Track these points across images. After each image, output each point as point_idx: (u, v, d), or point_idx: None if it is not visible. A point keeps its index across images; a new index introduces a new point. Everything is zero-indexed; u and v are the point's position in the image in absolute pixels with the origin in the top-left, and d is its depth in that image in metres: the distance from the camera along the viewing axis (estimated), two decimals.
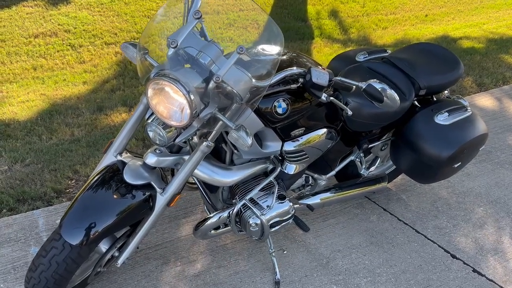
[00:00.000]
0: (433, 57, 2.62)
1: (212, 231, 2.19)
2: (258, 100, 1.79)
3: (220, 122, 1.74)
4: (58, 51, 5.52)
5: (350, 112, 1.97)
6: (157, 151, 1.93)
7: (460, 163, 2.51)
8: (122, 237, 2.03)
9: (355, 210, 2.88)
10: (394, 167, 2.87)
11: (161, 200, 1.92)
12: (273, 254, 2.37)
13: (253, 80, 1.67)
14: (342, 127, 2.31)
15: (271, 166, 2.16)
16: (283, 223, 2.14)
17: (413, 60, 2.58)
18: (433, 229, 2.77)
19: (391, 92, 1.85)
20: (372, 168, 2.66)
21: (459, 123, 2.45)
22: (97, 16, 5.98)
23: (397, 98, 1.88)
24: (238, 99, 1.67)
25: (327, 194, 2.54)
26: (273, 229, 2.13)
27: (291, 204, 2.13)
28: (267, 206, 2.06)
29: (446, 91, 2.73)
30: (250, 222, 2.03)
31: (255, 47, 1.85)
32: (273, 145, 2.05)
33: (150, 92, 1.64)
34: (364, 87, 1.85)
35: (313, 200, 2.48)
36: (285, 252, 2.43)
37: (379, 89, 1.84)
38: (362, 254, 2.55)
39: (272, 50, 1.79)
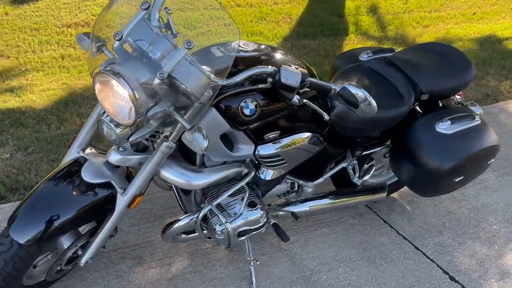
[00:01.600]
0: (442, 59, 2.39)
1: (182, 235, 2.09)
2: (224, 100, 1.69)
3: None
4: None
5: (327, 117, 1.81)
6: (121, 149, 1.85)
7: (462, 177, 2.28)
8: (85, 235, 1.96)
9: (352, 220, 2.70)
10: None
11: (121, 201, 1.84)
12: (251, 262, 2.24)
13: (212, 77, 1.55)
14: (332, 131, 2.15)
15: (246, 170, 2.03)
16: (253, 232, 2.01)
17: (418, 61, 2.36)
18: (435, 246, 2.55)
19: (367, 98, 1.67)
20: (366, 177, 2.47)
21: (463, 133, 2.22)
22: None
23: (374, 105, 1.69)
24: (194, 98, 1.56)
25: (317, 202, 2.39)
26: (241, 238, 2.00)
27: (262, 212, 1.98)
28: (234, 214, 1.93)
29: (458, 96, 2.49)
30: (216, 229, 1.92)
31: (211, 43, 1.72)
32: (245, 148, 1.92)
33: (97, 86, 1.55)
34: (338, 90, 1.68)
35: (300, 208, 2.33)
36: (258, 262, 2.29)
37: (354, 94, 1.67)
38: (350, 269, 2.37)
39: (229, 46, 1.67)
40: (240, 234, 1.98)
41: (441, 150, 2.18)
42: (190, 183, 1.89)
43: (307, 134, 2.02)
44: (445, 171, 2.17)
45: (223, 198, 1.95)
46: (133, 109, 1.49)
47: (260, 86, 1.74)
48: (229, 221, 1.91)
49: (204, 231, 2.02)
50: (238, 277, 2.28)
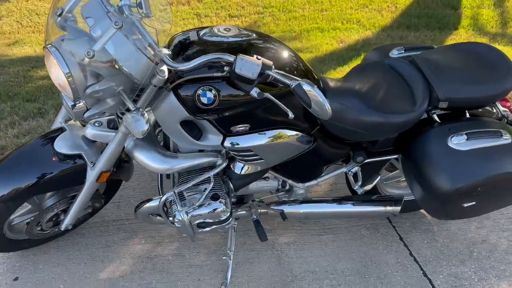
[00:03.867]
0: (476, 62, 2.04)
1: (157, 218, 2.08)
2: (182, 86, 1.65)
3: (141, 101, 1.64)
4: (183, 19, 5.80)
5: (291, 115, 1.64)
6: (96, 124, 1.89)
7: (474, 203, 1.94)
8: (66, 198, 2.06)
9: (364, 231, 2.47)
10: None
11: (90, 175, 1.90)
12: (231, 256, 2.17)
13: (159, 58, 1.52)
14: (326, 132, 1.97)
15: (220, 161, 1.95)
16: (215, 226, 1.93)
17: (445, 63, 2.05)
18: (448, 276, 2.22)
19: (320, 100, 1.49)
20: (369, 186, 2.22)
21: (481, 152, 1.88)
22: None
23: (327, 109, 1.50)
24: (135, 80, 1.54)
25: (312, 206, 2.23)
26: (202, 230, 1.93)
27: (224, 206, 1.89)
28: (193, 204, 1.87)
29: (503, 108, 2.13)
30: (175, 217, 1.88)
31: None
32: (213, 139, 1.84)
33: (45, 60, 1.59)
34: (293, 86, 1.52)
35: (290, 209, 2.20)
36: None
37: (307, 92, 1.50)
38: (337, 282, 2.18)
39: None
40: (201, 226, 1.91)
41: (448, 167, 1.88)
42: (156, 167, 1.87)
43: (287, 132, 1.88)
44: (448, 193, 1.87)
45: (187, 186, 1.90)
46: (67, 85, 1.51)
47: (216, 74, 1.64)
48: (186, 210, 1.86)
49: (170, 218, 1.99)
50: (216, 269, 2.22)
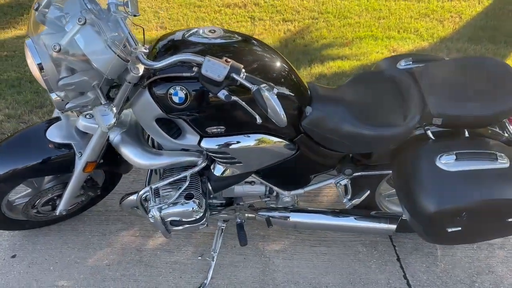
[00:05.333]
0: (481, 79, 1.89)
1: (139, 211, 2.12)
2: (156, 84, 1.68)
3: (118, 96, 1.70)
4: (237, 21, 5.86)
5: (259, 120, 1.62)
6: (87, 116, 1.97)
7: (459, 228, 1.80)
8: (61, 184, 2.16)
9: (360, 247, 2.37)
10: None
11: (78, 164, 1.98)
12: (214, 257, 2.18)
13: (123, 57, 1.56)
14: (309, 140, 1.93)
15: (200, 161, 1.96)
16: (189, 225, 1.94)
17: (447, 77, 1.92)
18: None
19: (275, 107, 1.46)
20: (357, 201, 2.13)
21: (469, 174, 1.74)
22: None
23: (282, 115, 1.46)
24: (105, 74, 1.60)
25: (303, 215, 2.18)
26: (176, 229, 1.95)
27: (197, 207, 1.89)
28: (166, 201, 1.90)
29: None
30: (150, 212, 1.91)
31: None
32: (190, 138, 1.85)
33: (25, 52, 1.68)
34: (253, 90, 1.50)
35: (276, 215, 2.16)
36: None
37: (264, 97, 1.47)
38: None
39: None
40: (174, 223, 1.93)
41: (432, 188, 1.77)
42: (138, 161, 1.92)
43: (267, 137, 1.85)
44: (430, 215, 1.75)
45: (164, 183, 1.93)
46: (40, 77, 1.59)
47: (186, 74, 1.65)
48: (159, 206, 1.89)
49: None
50: (199, 269, 2.24)
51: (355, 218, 2.18)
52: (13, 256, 2.28)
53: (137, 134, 1.98)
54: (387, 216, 2.19)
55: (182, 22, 5.43)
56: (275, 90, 1.50)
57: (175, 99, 1.70)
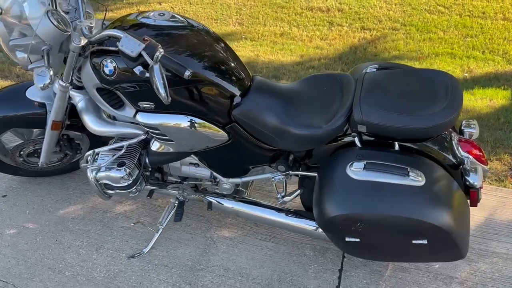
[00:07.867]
0: (424, 92, 1.78)
1: None
2: (94, 55, 1.86)
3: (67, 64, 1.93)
4: (315, 25, 5.86)
5: (165, 100, 1.66)
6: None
7: (358, 240, 1.72)
8: (42, 138, 2.43)
9: (308, 251, 2.32)
10: None
11: (49, 122, 2.25)
12: (160, 229, 2.32)
13: (61, 28, 1.78)
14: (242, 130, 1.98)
15: (140, 135, 2.11)
16: (119, 190, 2.09)
17: (389, 86, 1.84)
18: None
19: (157, 84, 1.57)
20: (288, 198, 2.09)
21: (373, 186, 1.67)
22: (382, 2, 5.98)
23: (163, 94, 1.57)
24: (45, 42, 1.83)
25: (241, 205, 2.23)
26: (109, 192, 2.12)
27: (126, 175, 2.03)
28: (99, 164, 2.07)
29: (466, 155, 1.83)
30: (87, 173, 2.10)
31: None
32: (128, 111, 2.00)
33: None
34: (150, 66, 1.62)
35: (215, 200, 2.24)
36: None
37: (154, 75, 1.59)
38: (239, 286, 2.13)
39: None
40: (106, 187, 2.10)
41: (333, 193, 1.72)
42: (92, 127, 2.11)
43: (197, 120, 1.93)
44: (325, 219, 1.71)
45: (105, 149, 2.11)
46: None
47: (111, 48, 1.81)
48: (93, 168, 2.07)
49: None
50: (147, 238, 2.38)
51: (286, 215, 2.16)
52: (4, 196, 2.63)
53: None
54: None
55: (260, 21, 5.58)
56: (159, 65, 1.60)
57: (106, 70, 1.86)
